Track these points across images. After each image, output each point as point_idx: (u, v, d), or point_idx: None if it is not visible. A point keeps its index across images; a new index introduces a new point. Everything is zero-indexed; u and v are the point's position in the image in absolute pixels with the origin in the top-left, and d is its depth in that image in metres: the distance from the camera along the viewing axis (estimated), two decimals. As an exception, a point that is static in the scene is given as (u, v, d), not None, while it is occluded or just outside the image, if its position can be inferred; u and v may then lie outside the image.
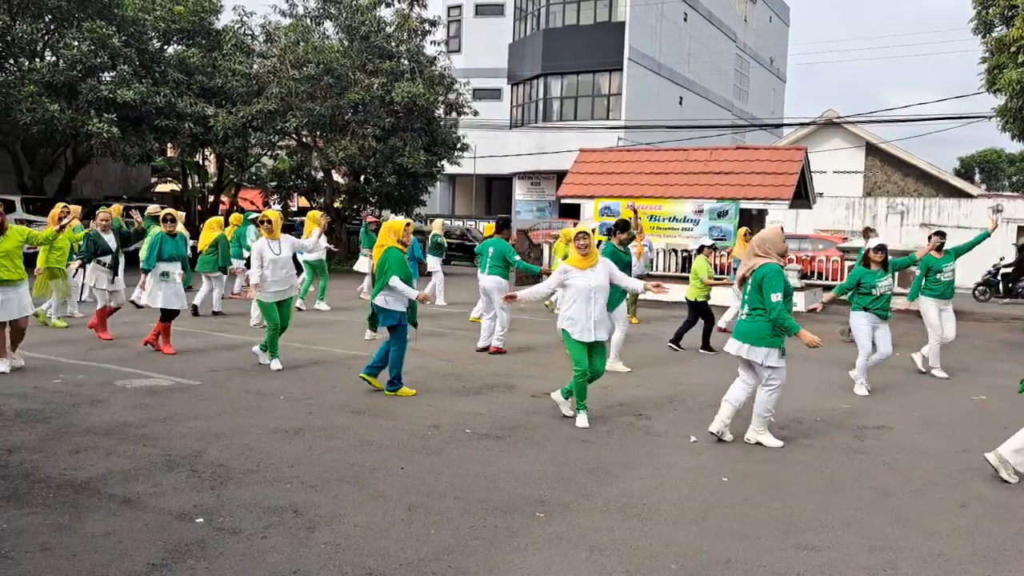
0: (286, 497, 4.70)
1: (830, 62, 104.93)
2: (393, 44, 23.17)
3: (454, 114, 25.16)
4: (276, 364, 8.45)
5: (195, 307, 12.20)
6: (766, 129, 41.09)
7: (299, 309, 12.78)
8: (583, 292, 6.56)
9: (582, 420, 6.63)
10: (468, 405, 7.21)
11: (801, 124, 33.81)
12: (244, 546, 4.01)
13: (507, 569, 3.88)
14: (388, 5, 23.48)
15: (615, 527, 4.45)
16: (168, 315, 9.20)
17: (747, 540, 4.33)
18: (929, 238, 9.92)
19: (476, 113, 25.98)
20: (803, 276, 17.16)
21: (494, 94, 37.09)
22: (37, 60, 20.31)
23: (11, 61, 20.43)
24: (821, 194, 27.61)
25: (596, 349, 6.72)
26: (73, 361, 8.49)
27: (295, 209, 29.16)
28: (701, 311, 10.80)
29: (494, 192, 41.05)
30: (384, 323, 7.41)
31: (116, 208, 12.70)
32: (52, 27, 20.53)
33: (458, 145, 25.41)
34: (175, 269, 9.35)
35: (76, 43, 19.23)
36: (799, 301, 15.08)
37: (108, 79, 20.33)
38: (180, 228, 10.13)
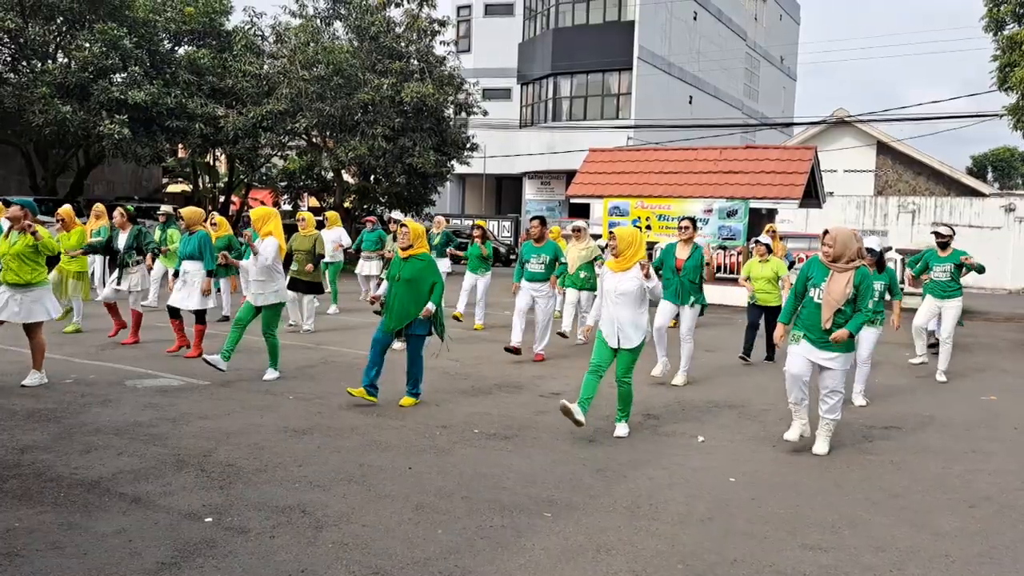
0: (294, 497, 4.73)
1: (840, 60, 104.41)
2: (403, 44, 23.24)
3: (464, 114, 25.20)
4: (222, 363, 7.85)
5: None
6: (776, 128, 40.95)
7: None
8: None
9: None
10: (476, 405, 7.23)
11: (811, 123, 33.71)
12: (253, 545, 4.04)
13: (514, 569, 3.89)
14: (398, 5, 23.54)
15: (622, 527, 4.46)
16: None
17: (754, 540, 4.33)
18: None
19: (486, 113, 26.01)
20: None
21: (504, 94, 37.12)
22: (49, 62, 20.47)
23: (24, 63, 20.62)
24: (831, 193, 27.51)
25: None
26: (84, 361, 8.56)
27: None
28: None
29: (504, 192, 41.06)
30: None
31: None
32: (64, 29, 20.69)
33: (468, 145, 25.45)
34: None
35: (88, 45, 19.38)
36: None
37: (119, 80, 20.50)
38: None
